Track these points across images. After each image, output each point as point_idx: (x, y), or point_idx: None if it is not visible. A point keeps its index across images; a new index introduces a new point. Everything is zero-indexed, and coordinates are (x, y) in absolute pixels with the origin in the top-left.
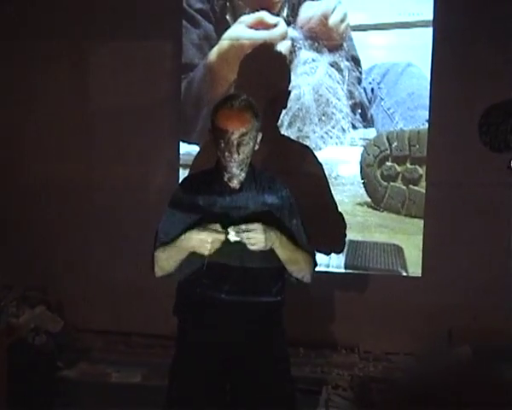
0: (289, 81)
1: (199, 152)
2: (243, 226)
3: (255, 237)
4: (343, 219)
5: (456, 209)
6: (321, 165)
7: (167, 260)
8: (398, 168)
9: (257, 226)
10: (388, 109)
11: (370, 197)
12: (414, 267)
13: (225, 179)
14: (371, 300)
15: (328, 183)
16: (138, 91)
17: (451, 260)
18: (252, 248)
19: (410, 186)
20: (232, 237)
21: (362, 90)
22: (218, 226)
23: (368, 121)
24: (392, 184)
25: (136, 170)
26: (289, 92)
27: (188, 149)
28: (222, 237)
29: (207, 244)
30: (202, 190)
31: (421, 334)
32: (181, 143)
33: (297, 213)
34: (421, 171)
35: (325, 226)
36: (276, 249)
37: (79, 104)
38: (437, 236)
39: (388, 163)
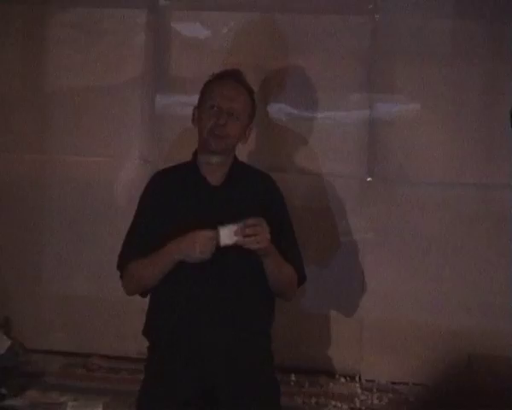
0: (284, 64)
1: (173, 143)
2: (247, 222)
3: (260, 234)
4: None
5: (463, 213)
6: (316, 160)
7: (146, 276)
8: None
9: (260, 221)
10: None
11: None
12: None
13: (204, 174)
14: (375, 319)
15: (323, 183)
16: (105, 69)
17: (468, 273)
18: (254, 247)
19: None
20: (226, 239)
21: None
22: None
23: None
24: None
25: (101, 163)
26: (284, 77)
27: None
28: (210, 234)
29: (211, 243)
30: (178, 185)
31: (434, 360)
32: None
33: (288, 219)
34: None
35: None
36: (264, 259)
37: (32, 84)
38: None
39: None
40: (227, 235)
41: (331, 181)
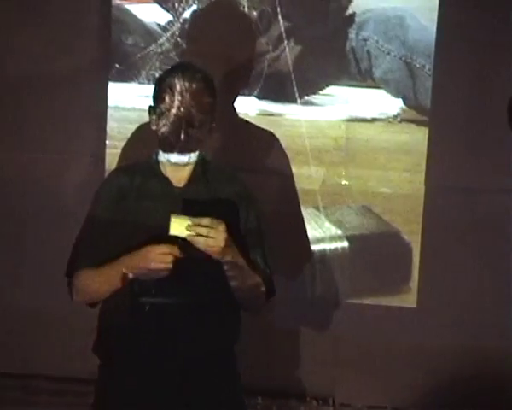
0: (253, 52)
1: (130, 139)
2: (202, 220)
3: (214, 237)
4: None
5: (462, 220)
6: (287, 160)
7: (96, 289)
8: None
9: (216, 223)
10: None
11: None
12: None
13: (166, 174)
14: (351, 336)
15: (295, 187)
16: (51, 55)
17: (459, 286)
18: (206, 249)
19: None
20: (176, 230)
21: None
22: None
23: None
24: None
25: (47, 160)
26: (252, 67)
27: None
28: (165, 249)
29: (168, 259)
30: (136, 186)
31: (415, 383)
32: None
33: (258, 222)
34: None
35: (289, 247)
36: (225, 265)
37: None
38: (439, 254)
39: None
40: (178, 226)
41: (303, 183)
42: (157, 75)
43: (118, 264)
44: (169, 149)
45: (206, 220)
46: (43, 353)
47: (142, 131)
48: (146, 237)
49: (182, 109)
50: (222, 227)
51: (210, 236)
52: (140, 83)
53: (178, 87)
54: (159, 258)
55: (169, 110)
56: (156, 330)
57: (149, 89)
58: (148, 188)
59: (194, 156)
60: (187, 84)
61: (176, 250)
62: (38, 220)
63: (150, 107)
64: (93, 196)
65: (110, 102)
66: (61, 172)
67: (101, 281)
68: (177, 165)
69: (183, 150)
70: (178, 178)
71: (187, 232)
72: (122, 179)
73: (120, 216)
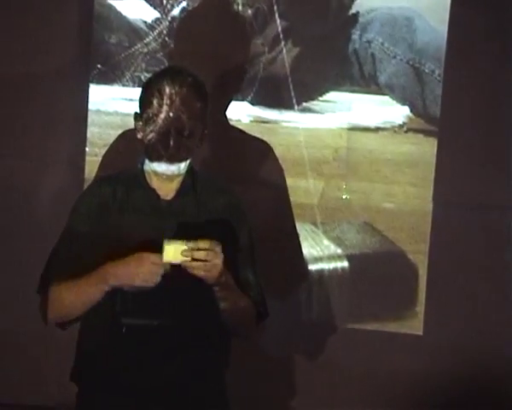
0: (247, 53)
1: (112, 146)
2: (200, 244)
3: (211, 261)
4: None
5: (472, 240)
6: (282, 171)
7: (72, 302)
8: None
9: (214, 245)
10: None
11: None
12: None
13: (152, 185)
14: (349, 365)
15: (289, 200)
16: (28, 54)
17: (469, 311)
18: (202, 275)
19: None
20: (170, 257)
21: None
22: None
23: None
24: None
25: (21, 167)
26: (246, 70)
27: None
28: (157, 260)
29: (159, 270)
30: (120, 198)
31: None
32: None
33: (250, 239)
34: None
35: (281, 266)
36: (215, 289)
37: None
38: (447, 275)
39: None
40: (172, 252)
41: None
42: (143, 77)
43: (99, 273)
44: (156, 158)
45: (203, 243)
46: (12, 379)
47: (126, 138)
48: (127, 253)
49: (171, 115)
50: (219, 249)
51: (208, 259)
52: (124, 85)
53: (168, 91)
54: (149, 268)
55: (157, 115)
56: (140, 353)
57: (134, 92)
58: (132, 200)
59: (183, 166)
60: (177, 87)
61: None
62: (9, 234)
63: (136, 113)
64: (72, 207)
65: (91, 106)
66: (35, 182)
67: (79, 292)
68: (165, 175)
69: (171, 160)
70: (166, 189)
71: (182, 258)
72: (103, 190)
73: (101, 230)
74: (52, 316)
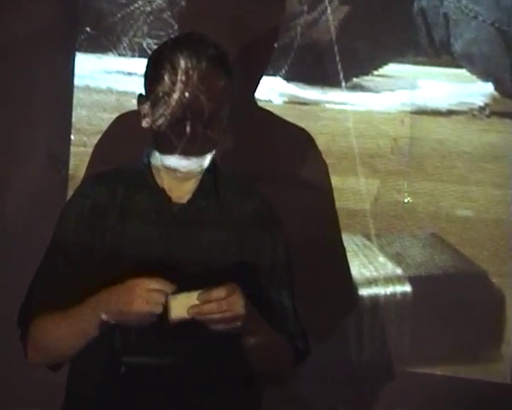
0: (280, 14)
1: (105, 133)
2: (212, 294)
3: (231, 310)
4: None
5: None
6: (325, 167)
7: (59, 339)
8: None
9: (231, 290)
10: None
11: None
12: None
13: (163, 185)
14: None
15: (334, 205)
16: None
17: None
18: (218, 328)
19: None
20: (179, 313)
21: None
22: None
23: None
24: None
25: None
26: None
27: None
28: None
29: (159, 299)
30: (120, 202)
31: None
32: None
33: (286, 255)
34: None
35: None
36: (247, 330)
37: None
38: None
39: None
40: (180, 307)
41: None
42: (145, 44)
43: (92, 304)
44: (168, 150)
45: (218, 293)
46: None
47: (124, 124)
48: (130, 272)
49: (187, 95)
50: (237, 292)
51: (224, 310)
52: (120, 54)
53: (183, 64)
54: (147, 296)
55: (169, 96)
56: (142, 401)
57: (133, 63)
58: (136, 204)
59: (204, 162)
60: (195, 61)
61: (169, 287)
62: None
63: (140, 94)
64: (58, 217)
65: (77, 81)
66: (7, 180)
67: (68, 329)
68: (180, 173)
69: (187, 152)
70: (179, 191)
71: (194, 311)
72: (98, 192)
73: (96, 243)
74: (35, 356)
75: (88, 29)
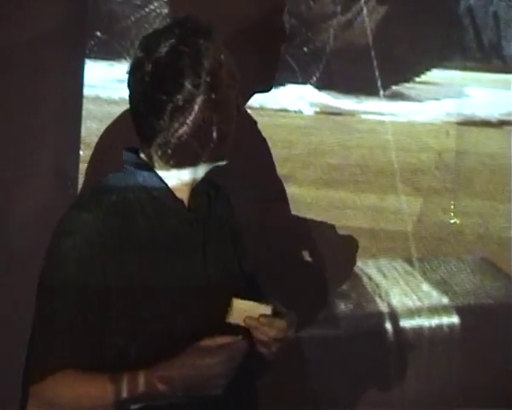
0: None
1: (110, 129)
2: (275, 323)
3: (282, 340)
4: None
5: None
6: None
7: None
8: None
9: (291, 323)
10: None
11: None
12: None
13: (181, 197)
14: None
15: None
16: (3, 18)
17: None
18: (262, 349)
19: None
20: (237, 316)
21: None
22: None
23: None
24: None
25: None
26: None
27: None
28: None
29: (237, 359)
30: (142, 222)
31: None
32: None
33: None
34: None
35: None
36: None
37: None
38: None
39: None
40: (240, 313)
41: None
42: None
43: (143, 375)
44: (188, 161)
45: (279, 324)
46: None
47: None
48: (170, 312)
49: (214, 96)
50: (294, 322)
51: (278, 339)
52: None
53: (206, 64)
54: (229, 354)
55: (192, 100)
56: None
57: None
58: (155, 221)
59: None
60: (212, 54)
61: (244, 343)
62: None
63: (165, 104)
64: (54, 252)
65: (87, 91)
66: (10, 199)
67: (93, 395)
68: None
69: (212, 159)
70: (185, 195)
71: (248, 321)
72: (109, 206)
73: (117, 270)
74: None
75: (98, 33)
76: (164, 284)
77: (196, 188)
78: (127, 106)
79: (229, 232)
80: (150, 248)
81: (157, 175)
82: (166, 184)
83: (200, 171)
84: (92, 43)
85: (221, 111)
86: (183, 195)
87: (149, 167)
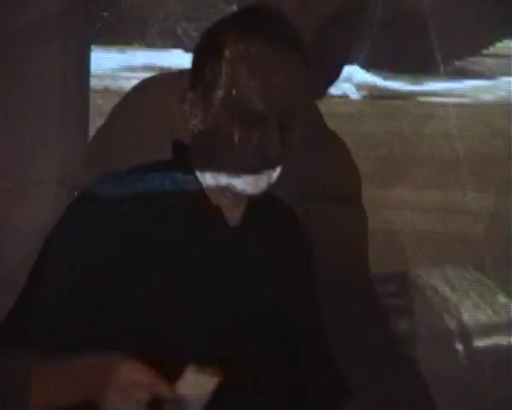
0: None
1: (118, 109)
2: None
3: None
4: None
5: None
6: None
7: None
8: None
9: None
10: None
11: None
12: None
13: (216, 201)
14: None
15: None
16: None
17: None
18: None
19: None
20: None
21: None
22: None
23: None
24: None
25: None
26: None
27: None
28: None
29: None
30: (161, 218)
31: None
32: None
33: (315, 284)
34: None
35: None
36: None
37: None
38: None
39: None
40: (187, 385)
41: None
42: (179, 30)
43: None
44: (227, 165)
45: None
46: None
47: (147, 95)
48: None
49: (260, 90)
50: None
51: None
52: (148, 45)
53: (254, 50)
54: (126, 391)
55: (231, 90)
56: None
57: (165, 55)
58: (184, 223)
59: (271, 179)
60: (268, 44)
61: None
62: None
63: (187, 93)
64: (59, 222)
65: (94, 82)
66: (10, 212)
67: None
68: (237, 194)
69: (255, 168)
70: (234, 211)
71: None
72: (131, 198)
73: (128, 269)
74: None
75: (105, 14)
76: (166, 300)
77: (250, 203)
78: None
79: (284, 269)
80: (162, 248)
81: (194, 177)
82: (202, 189)
83: (248, 184)
84: (99, 25)
85: (248, 121)
86: (230, 205)
87: (188, 166)
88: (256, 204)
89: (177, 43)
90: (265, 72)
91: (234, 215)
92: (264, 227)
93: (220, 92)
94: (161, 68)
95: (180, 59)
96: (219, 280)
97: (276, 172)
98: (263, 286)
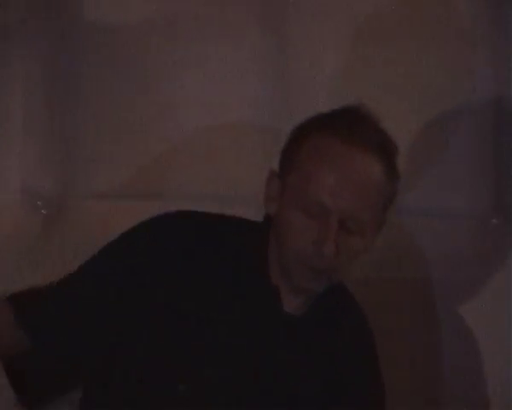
0: None
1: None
2: None
3: None
4: None
5: None
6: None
7: None
8: None
9: None
10: None
11: None
12: None
13: (276, 283)
14: None
15: None
16: None
17: None
18: None
19: None
20: None
21: None
22: None
23: None
24: None
25: None
26: None
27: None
28: None
29: None
30: (216, 275)
31: None
32: None
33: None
34: None
35: None
36: None
37: None
38: None
39: None
40: None
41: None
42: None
43: None
44: (296, 248)
45: None
46: None
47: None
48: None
49: (335, 203)
50: None
51: None
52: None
53: (337, 172)
54: None
55: (309, 188)
56: None
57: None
58: (237, 289)
59: (334, 278)
60: (359, 152)
61: None
62: None
63: (274, 176)
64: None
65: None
66: None
67: None
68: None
69: (316, 267)
70: (296, 300)
71: None
72: (190, 242)
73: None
74: None
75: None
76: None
77: (322, 299)
78: (113, 109)
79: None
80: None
81: (264, 250)
82: (266, 265)
83: (302, 277)
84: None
85: (309, 211)
86: (286, 293)
87: (263, 240)
88: (327, 298)
89: None
90: (341, 169)
91: (291, 302)
92: (329, 322)
93: (292, 178)
94: None
95: None
96: (251, 357)
97: (335, 274)
98: (294, 382)
